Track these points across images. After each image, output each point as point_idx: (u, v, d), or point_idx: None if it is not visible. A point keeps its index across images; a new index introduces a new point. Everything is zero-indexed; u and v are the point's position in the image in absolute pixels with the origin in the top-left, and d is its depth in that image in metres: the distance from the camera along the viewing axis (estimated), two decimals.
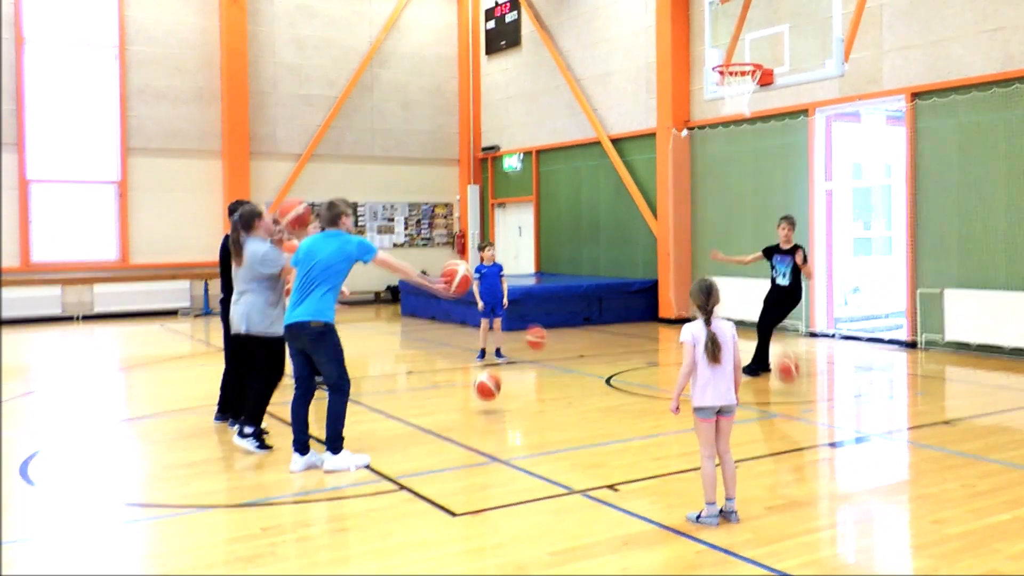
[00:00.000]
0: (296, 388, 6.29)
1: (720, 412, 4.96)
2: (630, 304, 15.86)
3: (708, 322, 4.93)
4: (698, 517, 4.90)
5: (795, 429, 7.36)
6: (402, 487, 5.70)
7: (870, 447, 6.94)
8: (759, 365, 9.75)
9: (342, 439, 6.16)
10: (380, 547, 4.67)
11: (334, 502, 5.50)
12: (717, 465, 4.97)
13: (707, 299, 4.94)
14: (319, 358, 6.18)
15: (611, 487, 5.62)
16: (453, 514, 5.17)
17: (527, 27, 19.73)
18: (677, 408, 5.06)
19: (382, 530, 4.93)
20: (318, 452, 6.28)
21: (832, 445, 6.95)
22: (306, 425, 6.21)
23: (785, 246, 9.84)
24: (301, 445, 6.18)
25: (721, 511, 4.93)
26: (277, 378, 6.88)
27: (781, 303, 9.91)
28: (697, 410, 4.96)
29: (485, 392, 8.16)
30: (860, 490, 5.81)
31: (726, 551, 4.50)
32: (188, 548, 4.71)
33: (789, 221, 9.86)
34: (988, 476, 5.82)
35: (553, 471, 6.03)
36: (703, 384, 4.92)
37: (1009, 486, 5.59)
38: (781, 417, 7.67)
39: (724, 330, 4.96)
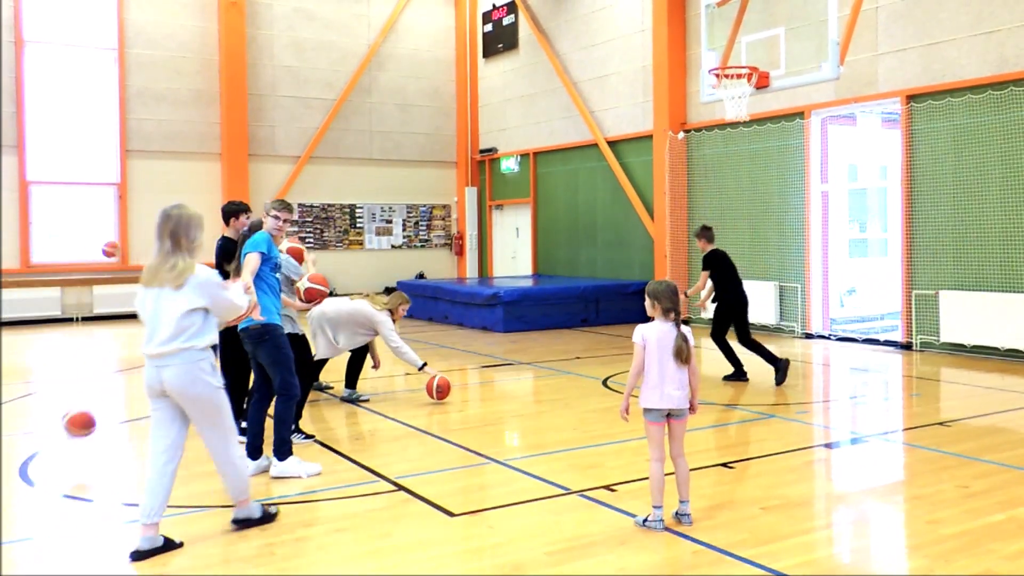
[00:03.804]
0: (255, 392, 6.29)
1: (671, 415, 4.93)
2: (627, 306, 15.89)
3: (678, 324, 4.92)
4: (645, 520, 4.85)
5: (791, 430, 7.39)
6: (400, 487, 5.73)
7: (866, 448, 6.98)
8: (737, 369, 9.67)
9: (289, 445, 6.07)
10: (378, 547, 4.70)
11: (332, 502, 5.52)
12: (670, 473, 4.93)
13: (677, 300, 4.93)
14: (263, 361, 6.06)
15: (608, 487, 5.66)
16: (451, 514, 5.20)
17: (524, 30, 19.77)
18: (627, 410, 5.04)
19: (380, 530, 4.96)
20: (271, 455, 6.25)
21: (828, 446, 6.98)
22: (261, 429, 6.17)
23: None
24: (253, 449, 6.12)
25: (676, 513, 4.90)
26: (306, 379, 6.95)
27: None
28: (646, 412, 4.93)
29: (442, 390, 8.69)
30: (856, 491, 5.84)
31: (722, 551, 4.53)
32: (187, 548, 4.73)
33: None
34: (983, 477, 5.86)
35: (550, 471, 6.07)
36: (653, 386, 4.89)
37: (1004, 486, 5.62)
38: (777, 418, 7.71)
39: (687, 333, 4.94)
